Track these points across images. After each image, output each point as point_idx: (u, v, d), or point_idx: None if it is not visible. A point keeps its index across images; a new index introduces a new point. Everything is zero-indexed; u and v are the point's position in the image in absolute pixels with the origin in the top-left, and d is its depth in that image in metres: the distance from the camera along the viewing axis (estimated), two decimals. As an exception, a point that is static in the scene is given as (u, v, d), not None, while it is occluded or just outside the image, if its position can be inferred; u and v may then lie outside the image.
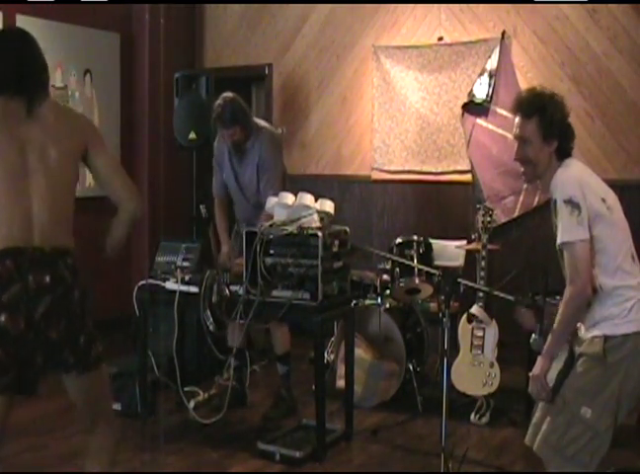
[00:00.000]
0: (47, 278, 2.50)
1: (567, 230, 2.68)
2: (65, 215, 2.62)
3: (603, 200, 2.75)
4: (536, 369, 2.80)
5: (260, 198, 4.49)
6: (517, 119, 2.87)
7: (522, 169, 2.91)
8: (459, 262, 5.30)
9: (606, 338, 2.69)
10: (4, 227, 2.52)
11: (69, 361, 2.60)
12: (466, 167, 5.84)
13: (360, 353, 4.71)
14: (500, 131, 5.60)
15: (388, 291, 4.86)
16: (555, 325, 2.78)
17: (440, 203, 6.05)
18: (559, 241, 2.70)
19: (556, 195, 2.74)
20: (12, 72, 2.62)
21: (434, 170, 6.01)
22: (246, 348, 4.73)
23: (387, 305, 4.88)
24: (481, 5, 5.78)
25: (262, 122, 4.73)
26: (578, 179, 2.76)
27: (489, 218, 4.59)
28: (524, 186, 5.45)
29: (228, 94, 4.52)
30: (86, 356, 2.63)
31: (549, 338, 2.80)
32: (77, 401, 2.77)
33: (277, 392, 4.65)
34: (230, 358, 4.56)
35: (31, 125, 2.57)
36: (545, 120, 2.79)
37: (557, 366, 2.79)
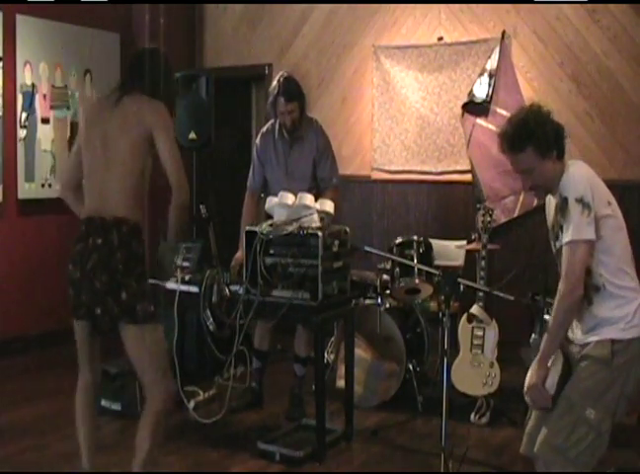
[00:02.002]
0: (100, 241, 3.04)
1: (576, 229, 2.68)
2: (130, 194, 3.09)
3: (609, 203, 2.78)
4: (533, 378, 2.81)
5: (312, 187, 4.53)
6: (510, 157, 2.84)
7: (534, 192, 2.93)
8: (459, 262, 5.30)
9: (613, 341, 2.73)
10: (87, 201, 3.17)
11: (114, 311, 3.04)
12: (466, 167, 5.85)
13: (361, 353, 4.71)
14: (500, 131, 5.59)
15: (388, 291, 4.86)
16: (549, 326, 2.79)
17: (440, 203, 6.05)
18: (567, 238, 2.70)
19: (567, 193, 2.73)
20: (125, 77, 3.30)
21: (434, 170, 6.01)
22: (247, 348, 4.74)
23: (387, 305, 4.88)
24: (481, 5, 5.78)
25: (309, 114, 4.79)
26: (588, 180, 2.77)
27: (489, 218, 4.59)
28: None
29: (285, 72, 4.65)
30: (131, 310, 3.04)
31: (543, 340, 2.81)
32: (130, 357, 3.16)
33: (292, 392, 4.65)
34: (230, 358, 4.55)
35: (113, 117, 3.13)
36: (539, 143, 2.78)
37: (556, 372, 2.79)
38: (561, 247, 2.79)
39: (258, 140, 4.77)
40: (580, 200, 2.68)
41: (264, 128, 4.78)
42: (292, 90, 4.51)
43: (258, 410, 4.67)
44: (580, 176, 2.77)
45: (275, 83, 4.56)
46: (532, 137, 2.77)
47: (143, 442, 3.18)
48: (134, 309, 3.04)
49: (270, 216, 4.60)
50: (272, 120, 4.71)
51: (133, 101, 3.15)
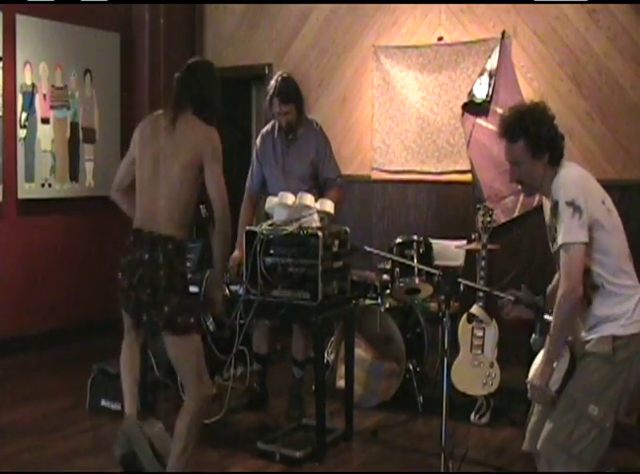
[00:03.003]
0: (146, 256, 3.20)
1: (568, 231, 2.70)
2: (177, 213, 3.25)
3: (603, 202, 2.80)
4: (537, 379, 2.82)
5: (311, 187, 4.50)
6: (504, 144, 2.89)
7: (520, 187, 2.95)
8: (459, 262, 5.30)
9: (615, 337, 2.75)
10: (138, 213, 3.34)
11: (159, 323, 3.24)
12: (466, 167, 5.84)
13: (361, 353, 4.71)
14: (500, 131, 5.59)
15: (388, 291, 4.86)
16: (551, 329, 2.80)
17: (439, 203, 6.05)
18: (560, 242, 2.72)
19: (558, 196, 2.76)
20: (175, 94, 3.39)
21: (434, 170, 6.01)
22: (247, 348, 4.73)
23: (387, 305, 4.88)
24: (481, 5, 5.78)
25: (309, 116, 4.77)
26: (579, 182, 2.79)
27: (489, 218, 4.59)
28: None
29: (284, 72, 4.58)
30: (172, 323, 3.21)
31: (547, 343, 2.82)
32: (171, 361, 3.40)
33: (292, 392, 4.65)
34: (230, 358, 4.55)
35: (167, 138, 3.27)
36: (531, 140, 2.81)
37: (562, 368, 2.80)
38: (558, 249, 2.80)
39: (258, 141, 4.77)
40: (570, 204, 2.70)
41: (264, 129, 4.77)
42: (289, 91, 4.47)
43: (259, 410, 4.66)
44: (571, 179, 2.79)
45: (272, 82, 4.53)
46: (525, 133, 2.81)
47: (177, 441, 3.33)
48: (175, 321, 3.21)
49: (269, 217, 4.59)
50: (272, 121, 4.71)
51: (187, 124, 3.29)
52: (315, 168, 4.60)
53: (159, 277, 3.18)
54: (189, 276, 3.39)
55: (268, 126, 4.74)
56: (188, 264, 4.35)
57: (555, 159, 2.84)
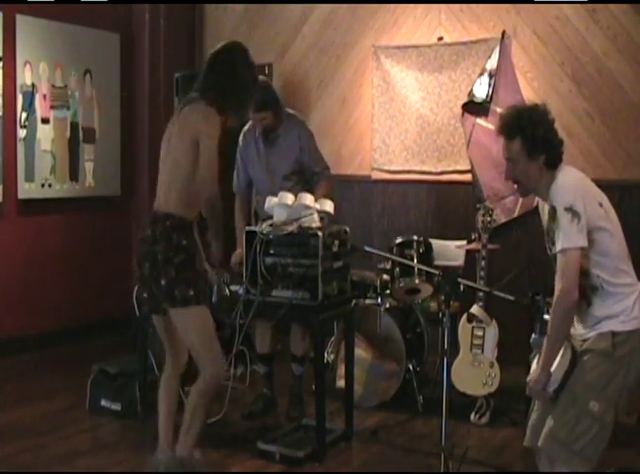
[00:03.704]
0: (149, 232, 3.35)
1: (567, 237, 2.73)
2: (178, 192, 3.35)
3: (600, 205, 2.82)
4: (533, 382, 2.83)
5: (296, 183, 4.50)
6: (502, 141, 2.92)
7: (516, 186, 2.97)
8: (459, 262, 5.30)
9: (614, 334, 2.76)
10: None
11: (157, 296, 3.33)
12: (466, 167, 5.84)
13: (361, 353, 4.71)
14: (500, 131, 5.59)
15: (388, 291, 4.86)
16: (548, 331, 2.81)
17: (439, 203, 6.05)
18: (559, 247, 2.73)
19: (556, 202, 2.78)
20: (201, 79, 3.52)
21: (434, 170, 6.01)
22: (247, 348, 4.73)
23: (387, 305, 4.88)
24: (481, 5, 5.78)
25: (290, 110, 4.72)
26: (577, 187, 2.82)
27: (489, 218, 4.59)
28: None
29: (260, 78, 4.54)
30: (170, 295, 3.28)
31: (544, 345, 2.83)
32: (180, 338, 3.47)
33: (292, 392, 4.64)
34: (231, 358, 4.54)
35: (177, 121, 3.43)
36: (527, 140, 2.83)
37: (562, 367, 2.80)
38: (556, 252, 2.81)
39: (240, 140, 4.74)
40: (569, 209, 2.72)
41: (245, 127, 4.73)
42: (263, 100, 4.37)
43: (273, 414, 4.64)
44: (568, 184, 2.81)
45: None
46: (522, 132, 2.83)
47: (185, 422, 3.39)
48: (173, 294, 3.27)
49: (259, 216, 4.60)
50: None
51: (192, 109, 3.41)
52: (300, 164, 4.57)
53: (156, 251, 3.28)
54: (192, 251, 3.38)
55: (248, 124, 4.69)
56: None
57: (552, 162, 2.86)
